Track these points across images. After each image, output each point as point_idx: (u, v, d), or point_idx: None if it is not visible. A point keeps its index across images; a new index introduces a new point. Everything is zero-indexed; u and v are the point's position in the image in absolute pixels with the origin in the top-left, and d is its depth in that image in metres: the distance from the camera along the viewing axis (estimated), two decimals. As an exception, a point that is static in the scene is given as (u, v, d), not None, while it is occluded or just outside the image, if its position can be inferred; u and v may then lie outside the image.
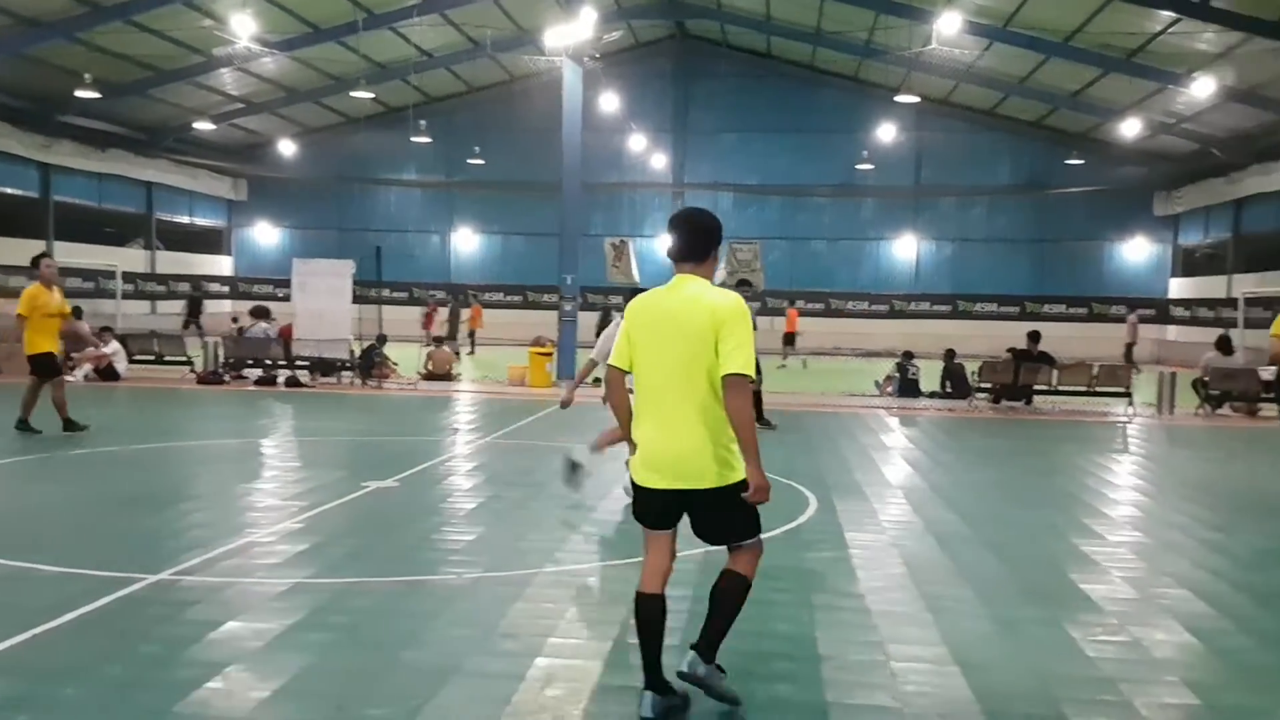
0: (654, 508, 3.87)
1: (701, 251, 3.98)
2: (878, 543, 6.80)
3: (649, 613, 3.82)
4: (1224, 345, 17.97)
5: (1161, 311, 37.31)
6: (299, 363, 17.94)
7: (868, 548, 6.63)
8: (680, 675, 3.81)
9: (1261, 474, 10.15)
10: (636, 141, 35.47)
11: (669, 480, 3.78)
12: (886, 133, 35.16)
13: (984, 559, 6.42)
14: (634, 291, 4.61)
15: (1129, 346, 29.36)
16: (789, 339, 29.04)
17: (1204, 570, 6.27)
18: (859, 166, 36.53)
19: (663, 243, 26.38)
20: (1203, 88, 24.96)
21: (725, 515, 3.82)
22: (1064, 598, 5.55)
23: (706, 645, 3.82)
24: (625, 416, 4.03)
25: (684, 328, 3.77)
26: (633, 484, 3.94)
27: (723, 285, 4.01)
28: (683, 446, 3.75)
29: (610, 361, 4.02)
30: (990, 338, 28.72)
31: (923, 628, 4.94)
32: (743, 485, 3.73)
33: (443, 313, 27.63)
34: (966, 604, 5.38)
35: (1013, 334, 20.50)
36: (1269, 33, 21.60)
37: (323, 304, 18.24)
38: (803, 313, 33.84)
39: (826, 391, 18.40)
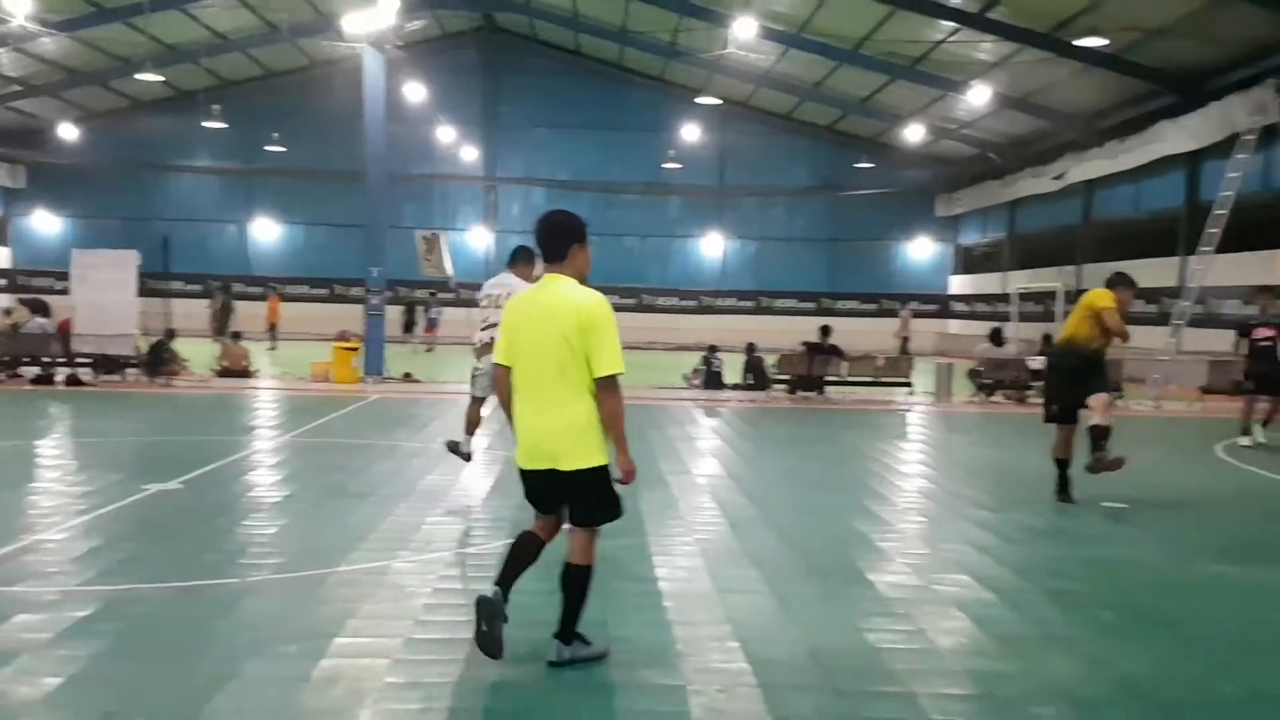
0: (534, 490, 4.26)
1: (558, 251, 4.24)
2: (676, 530, 7.00)
3: (523, 543, 4.31)
4: (995, 337, 19.36)
5: (943, 307, 39.83)
6: (80, 360, 16.78)
7: (666, 535, 6.81)
8: (551, 664, 4.19)
9: (1028, 457, 11.01)
10: (446, 133, 34.95)
11: (538, 462, 4.14)
12: (691, 133, 36.05)
13: (772, 542, 6.72)
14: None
15: (904, 340, 31.26)
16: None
17: (971, 546, 6.78)
18: (666, 165, 37.30)
19: (476, 236, 26.34)
20: (980, 95, 26.73)
21: (584, 496, 4.16)
22: (844, 576, 5.88)
23: (562, 629, 4.23)
24: (507, 409, 4.33)
25: (552, 323, 4.08)
26: (519, 470, 4.27)
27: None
28: (549, 430, 4.11)
29: (495, 360, 4.36)
30: (789, 332, 29.85)
31: (710, 608, 5.14)
32: (601, 470, 4.12)
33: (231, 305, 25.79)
34: (753, 584, 5.63)
35: (809, 328, 21.41)
36: (1040, 44, 23.37)
37: (105, 297, 17.07)
38: (617, 309, 34.38)
39: (637, 385, 18.71)
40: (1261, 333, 12.80)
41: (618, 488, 4.20)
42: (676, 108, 36.78)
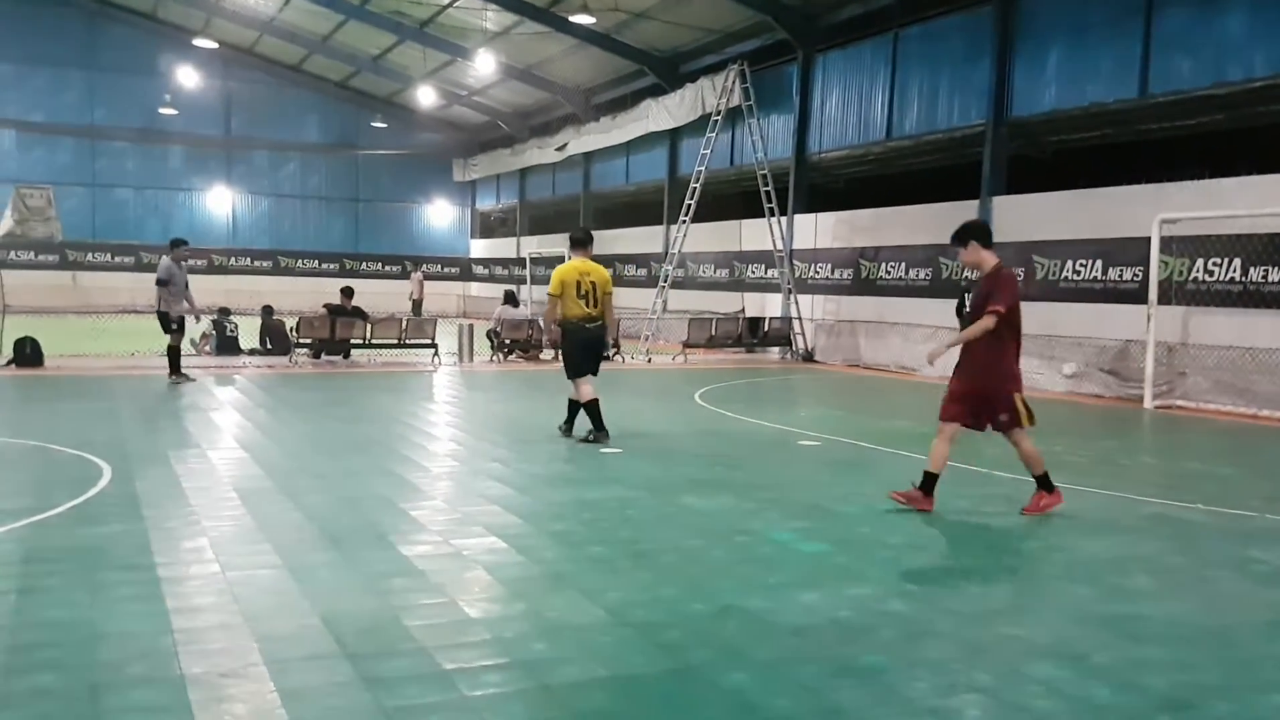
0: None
1: None
2: (179, 511, 6.56)
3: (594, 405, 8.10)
4: (511, 299, 20.31)
5: (464, 270, 40.88)
6: None
7: (167, 518, 6.36)
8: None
9: (538, 412, 11.76)
10: None
11: None
12: (190, 78, 33.36)
13: (288, 514, 6.55)
14: None
15: (416, 302, 31.78)
16: None
17: (486, 498, 7.14)
18: (163, 111, 34.14)
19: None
20: (486, 63, 27.60)
21: None
22: (362, 541, 5.92)
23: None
24: None
25: None
26: None
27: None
28: None
29: None
30: (311, 294, 29.00)
31: (215, 591, 4.91)
32: None
33: None
34: (264, 559, 5.47)
35: (331, 290, 20.94)
36: (538, 17, 24.61)
37: None
38: (110, 268, 31.27)
39: (139, 352, 17.06)
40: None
41: None
42: (171, 49, 33.78)
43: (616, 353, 19.23)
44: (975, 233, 6.97)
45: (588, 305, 9.59)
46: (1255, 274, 13.57)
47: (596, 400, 9.69)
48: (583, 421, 9.79)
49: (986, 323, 6.67)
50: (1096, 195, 16.03)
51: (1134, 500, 7.57)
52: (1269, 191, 13.25)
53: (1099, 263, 15.78)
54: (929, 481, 6.88)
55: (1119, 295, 15.20)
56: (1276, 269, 13.30)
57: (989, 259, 6.86)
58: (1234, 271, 13.82)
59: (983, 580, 5.41)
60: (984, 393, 6.79)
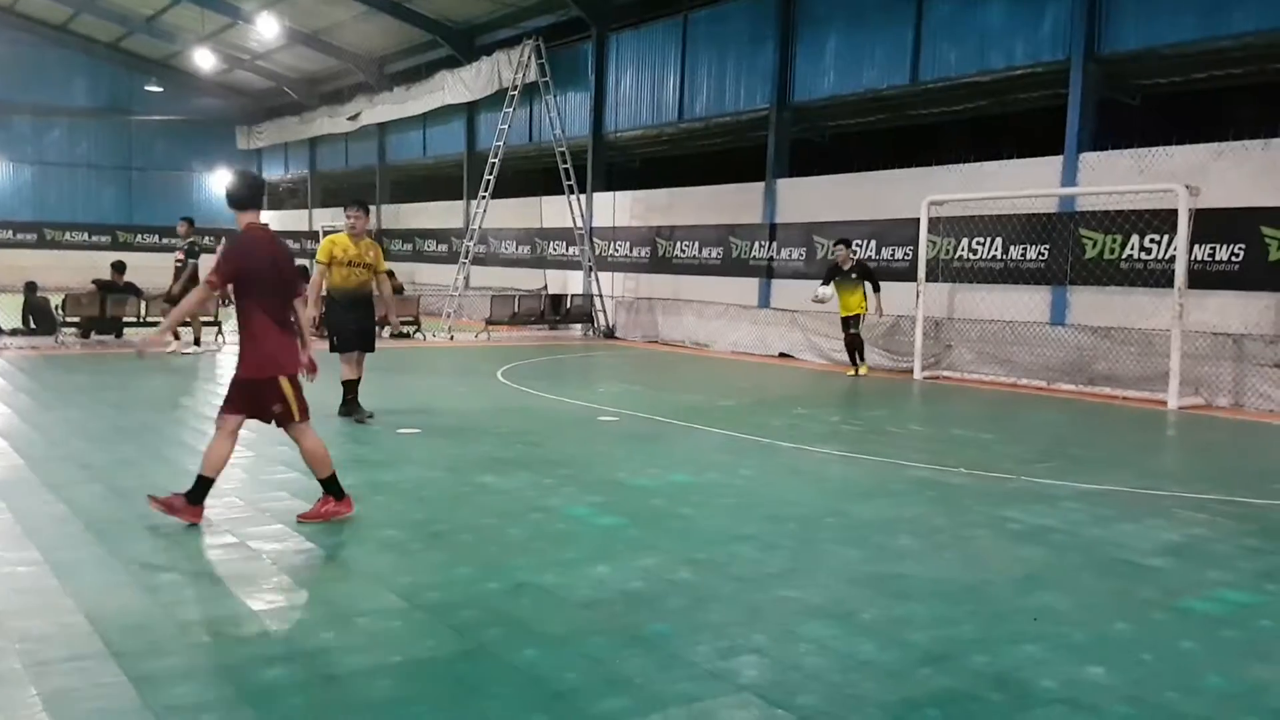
0: None
1: None
2: (-81, 508, 6.01)
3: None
4: (303, 274, 19.50)
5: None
6: None
7: (-95, 516, 5.82)
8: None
9: (332, 390, 11.38)
10: None
11: None
12: (-69, 34, 30.27)
13: (49, 504, 6.13)
14: None
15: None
16: None
17: (278, 485, 6.88)
18: (-92, 71, 30.90)
19: None
20: (268, 25, 26.31)
21: None
22: (128, 530, 5.60)
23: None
24: None
25: None
26: None
27: None
28: None
29: None
30: (81, 269, 26.91)
31: (-35, 593, 4.55)
32: None
33: None
34: (22, 553, 5.08)
35: (103, 265, 19.53)
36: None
37: None
38: None
39: None
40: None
41: None
42: (-86, 4, 30.53)
43: (415, 329, 18.88)
44: (230, 196, 5.85)
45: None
46: (1015, 252, 14.74)
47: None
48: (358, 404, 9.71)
49: (198, 294, 6.20)
50: (871, 178, 16.96)
51: (902, 465, 8.11)
52: (1028, 174, 14.41)
53: (873, 243, 16.72)
54: (201, 487, 5.68)
55: (892, 274, 16.15)
56: (1034, 247, 14.50)
57: (242, 221, 5.84)
58: (995, 250, 14.97)
59: (763, 547, 5.68)
60: (254, 379, 5.74)
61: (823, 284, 14.77)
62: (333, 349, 9.49)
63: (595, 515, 6.28)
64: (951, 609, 4.70)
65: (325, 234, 31.03)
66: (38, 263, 29.54)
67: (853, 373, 14.81)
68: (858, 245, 16.72)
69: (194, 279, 14.72)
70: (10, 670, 3.71)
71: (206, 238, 34.89)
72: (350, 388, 9.57)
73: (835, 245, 15.25)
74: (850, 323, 14.79)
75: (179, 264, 15.81)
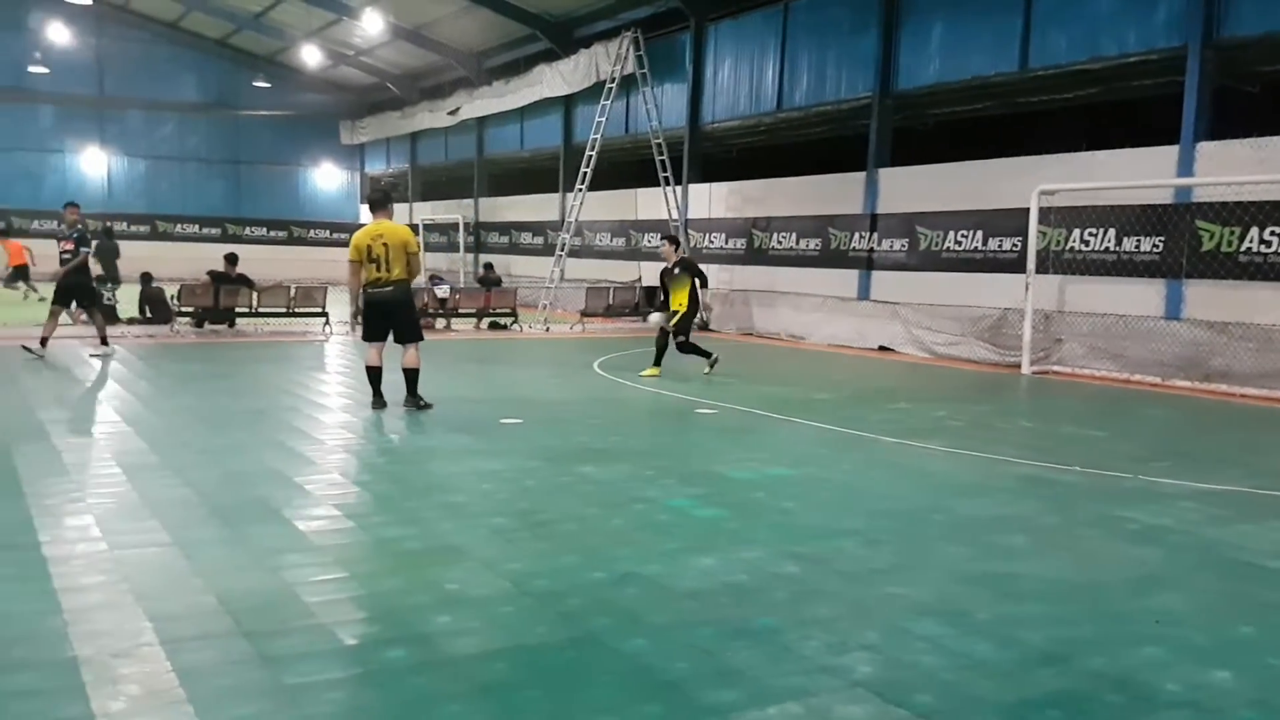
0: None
1: None
2: (61, 487, 6.33)
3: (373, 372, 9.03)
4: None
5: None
6: None
7: (49, 495, 6.13)
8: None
9: (434, 381, 11.65)
10: None
11: None
12: (61, 34, 31.70)
13: (175, 489, 6.39)
14: None
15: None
16: (21, 272, 24.80)
17: (370, 470, 7.06)
18: (32, 69, 32.35)
19: None
20: (373, 22, 26.87)
21: None
22: (252, 516, 5.81)
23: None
24: None
25: None
26: None
27: None
28: None
29: None
30: (191, 260, 27.96)
31: (102, 569, 4.77)
32: None
33: None
34: (152, 536, 5.33)
35: (214, 256, 20.24)
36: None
37: None
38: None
39: (9, 323, 16.32)
40: None
41: None
42: (40, 6, 32.03)
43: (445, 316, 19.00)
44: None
45: (379, 270, 9.33)
46: (1128, 244, 14.25)
47: (378, 369, 9.59)
48: (417, 392, 9.69)
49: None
50: (977, 167, 16.56)
51: (1009, 462, 7.93)
52: (1142, 164, 13.90)
53: (979, 233, 16.34)
54: None
55: (998, 265, 15.77)
56: (1147, 239, 13.99)
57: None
58: (1108, 241, 14.49)
59: (867, 542, 5.62)
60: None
61: (656, 309, 14.07)
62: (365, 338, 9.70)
63: (696, 507, 6.29)
64: (1067, 609, 4.58)
65: (425, 227, 31.70)
66: (151, 254, 30.70)
67: (648, 372, 13.05)
68: (962, 235, 16.38)
69: (83, 269, 13.40)
70: (146, 646, 3.88)
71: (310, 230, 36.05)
72: (372, 375, 9.64)
73: (662, 240, 14.53)
74: (671, 319, 13.18)
75: (66, 254, 13.28)
